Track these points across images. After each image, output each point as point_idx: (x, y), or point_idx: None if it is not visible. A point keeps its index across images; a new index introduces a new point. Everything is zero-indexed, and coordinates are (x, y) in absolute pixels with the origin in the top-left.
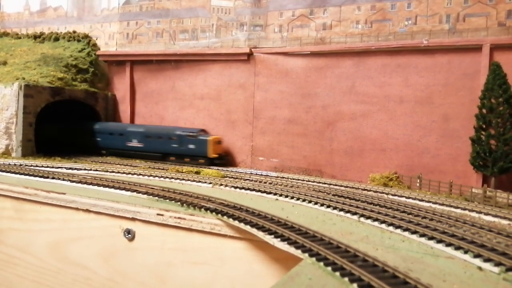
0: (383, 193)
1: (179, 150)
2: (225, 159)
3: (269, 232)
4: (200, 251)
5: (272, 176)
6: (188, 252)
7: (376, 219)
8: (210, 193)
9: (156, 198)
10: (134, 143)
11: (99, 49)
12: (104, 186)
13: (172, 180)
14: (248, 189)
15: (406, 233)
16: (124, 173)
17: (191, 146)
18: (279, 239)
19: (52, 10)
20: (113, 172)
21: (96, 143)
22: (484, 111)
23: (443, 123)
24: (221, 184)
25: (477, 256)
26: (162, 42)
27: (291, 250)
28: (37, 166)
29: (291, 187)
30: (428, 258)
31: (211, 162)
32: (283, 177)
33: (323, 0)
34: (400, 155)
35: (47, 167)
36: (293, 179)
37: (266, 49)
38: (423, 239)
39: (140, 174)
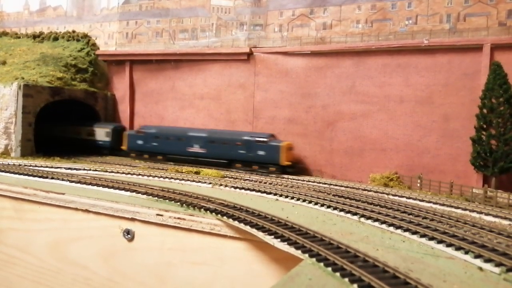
0: (383, 193)
1: (247, 156)
2: (297, 167)
3: (269, 232)
4: (200, 251)
5: (272, 176)
6: (187, 252)
7: (376, 220)
8: (210, 193)
9: (156, 198)
10: (196, 149)
11: (98, 48)
12: (104, 186)
13: (172, 180)
14: (248, 189)
15: (407, 234)
16: (123, 173)
17: (261, 153)
18: (279, 240)
19: (51, 9)
20: (113, 172)
21: (150, 149)
22: (484, 111)
23: (444, 123)
24: (221, 184)
25: (477, 256)
26: (161, 41)
27: (291, 250)
28: (36, 166)
29: (291, 187)
30: (429, 258)
31: (283, 170)
32: (283, 177)
33: (323, 0)
34: (401, 155)
35: (46, 167)
36: (293, 179)
37: (266, 49)
38: (423, 240)
39: (139, 174)
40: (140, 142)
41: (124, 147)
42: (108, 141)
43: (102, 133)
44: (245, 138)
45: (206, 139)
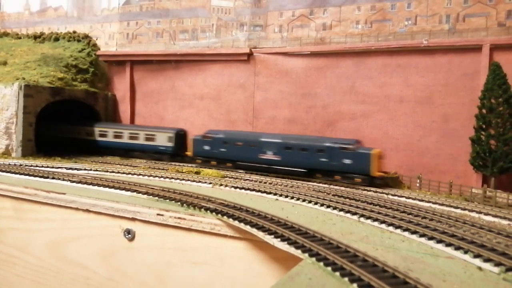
0: (383, 193)
1: (329, 165)
2: (387, 179)
3: (269, 232)
4: (200, 251)
5: (272, 176)
6: (188, 252)
7: (376, 219)
8: (210, 193)
9: (156, 198)
10: (269, 156)
11: (99, 49)
12: (104, 186)
13: (172, 180)
14: (248, 189)
15: (406, 233)
16: (124, 173)
17: (347, 161)
18: (279, 239)
19: (52, 10)
20: (113, 172)
21: (217, 155)
22: (484, 111)
23: (443, 123)
24: (221, 184)
25: (477, 256)
26: (162, 42)
27: (291, 250)
28: (37, 166)
29: (291, 187)
30: (428, 258)
31: (371, 182)
32: (283, 177)
33: (323, 0)
34: (400, 155)
35: (47, 167)
36: (293, 179)
37: (266, 49)
38: (423, 239)
39: (140, 174)
40: (206, 147)
41: (189, 153)
42: (171, 146)
43: (163, 138)
44: (328, 144)
45: (280, 145)
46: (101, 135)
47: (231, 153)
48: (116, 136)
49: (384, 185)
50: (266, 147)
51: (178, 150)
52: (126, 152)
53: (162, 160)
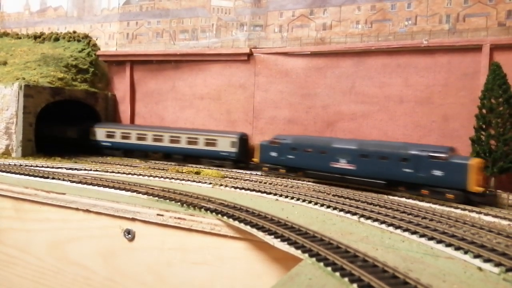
0: (383, 193)
1: (415, 177)
2: (490, 196)
3: (269, 232)
4: (200, 251)
5: (271, 176)
6: (188, 252)
7: (376, 220)
8: (210, 194)
9: (156, 198)
10: (342, 164)
11: (99, 49)
12: (104, 186)
13: (172, 180)
14: (248, 189)
15: (406, 234)
16: (124, 173)
17: (437, 173)
18: (279, 239)
19: (52, 10)
20: (113, 172)
21: (285, 162)
22: (484, 111)
23: (443, 123)
24: (221, 185)
25: (477, 256)
26: (162, 42)
27: (291, 250)
28: (37, 166)
29: (291, 187)
30: (428, 258)
31: (466, 199)
32: (283, 177)
33: (323, 0)
34: None
35: (47, 167)
36: (293, 179)
37: (266, 49)
38: (423, 240)
39: (140, 174)
40: (274, 154)
41: (256, 159)
42: (234, 152)
43: (225, 143)
44: (414, 152)
45: (356, 152)
46: (156, 140)
47: (300, 161)
48: (173, 141)
49: (485, 204)
50: (339, 155)
51: (242, 156)
52: (186, 158)
53: (223, 167)
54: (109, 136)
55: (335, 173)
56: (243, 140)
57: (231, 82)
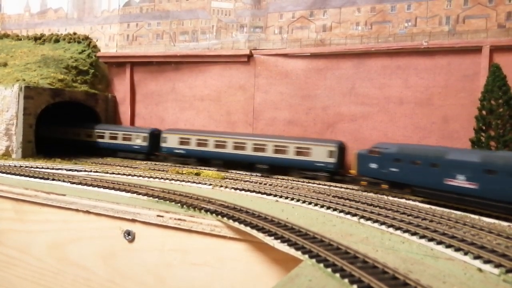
0: (383, 194)
1: None
2: None
3: (269, 233)
4: (200, 252)
5: (272, 178)
6: (188, 253)
7: (376, 221)
8: (210, 195)
9: (156, 199)
10: (460, 182)
11: (99, 50)
12: (104, 187)
13: (172, 181)
14: (248, 190)
15: (406, 235)
16: (124, 174)
17: None
18: (279, 241)
19: (52, 11)
20: (113, 173)
21: (388, 176)
22: (484, 112)
23: (443, 124)
24: (221, 186)
25: (477, 257)
26: (162, 43)
27: (291, 251)
28: (37, 167)
29: (291, 188)
30: (428, 259)
31: None
32: (283, 179)
33: (323, 2)
34: None
35: (47, 168)
36: (293, 180)
37: (266, 51)
38: (423, 241)
39: (140, 176)
40: (373, 165)
41: (353, 171)
42: (333, 163)
43: (321, 152)
44: None
45: (479, 166)
46: (237, 148)
47: (406, 175)
48: (257, 149)
49: None
50: (456, 169)
51: (339, 167)
52: (272, 168)
53: (316, 179)
54: (183, 143)
55: (451, 192)
56: (341, 149)
57: (231, 83)
